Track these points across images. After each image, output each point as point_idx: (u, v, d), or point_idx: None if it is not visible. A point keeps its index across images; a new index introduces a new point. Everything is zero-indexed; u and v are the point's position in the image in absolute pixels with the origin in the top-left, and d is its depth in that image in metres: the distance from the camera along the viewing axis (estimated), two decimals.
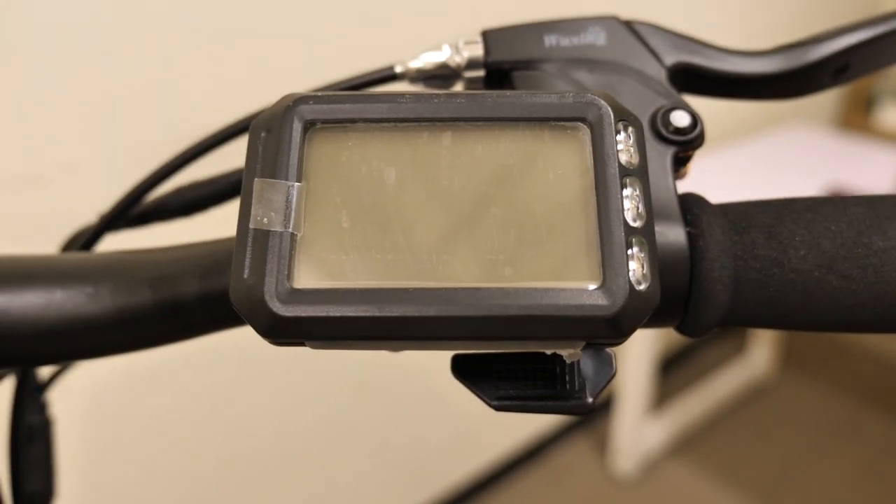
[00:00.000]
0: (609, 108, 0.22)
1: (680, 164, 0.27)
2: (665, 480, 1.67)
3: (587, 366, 0.24)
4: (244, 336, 0.34)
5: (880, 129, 2.01)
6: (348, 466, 1.36)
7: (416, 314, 0.19)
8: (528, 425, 1.68)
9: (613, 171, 0.21)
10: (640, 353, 1.57)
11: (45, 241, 0.43)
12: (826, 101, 2.12)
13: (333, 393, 1.25)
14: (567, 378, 0.24)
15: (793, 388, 1.95)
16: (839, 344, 2.09)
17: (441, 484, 1.54)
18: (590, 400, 0.24)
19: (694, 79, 0.29)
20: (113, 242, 0.33)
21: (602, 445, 1.73)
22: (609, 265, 0.20)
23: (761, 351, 1.96)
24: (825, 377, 1.99)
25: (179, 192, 0.35)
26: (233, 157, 0.32)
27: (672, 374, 1.91)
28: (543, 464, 1.71)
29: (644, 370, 1.58)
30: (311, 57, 0.97)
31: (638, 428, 1.64)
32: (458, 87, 0.30)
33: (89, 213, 0.40)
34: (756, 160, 1.61)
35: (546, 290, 0.20)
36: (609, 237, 0.20)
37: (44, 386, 0.38)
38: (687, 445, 1.75)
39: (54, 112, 0.81)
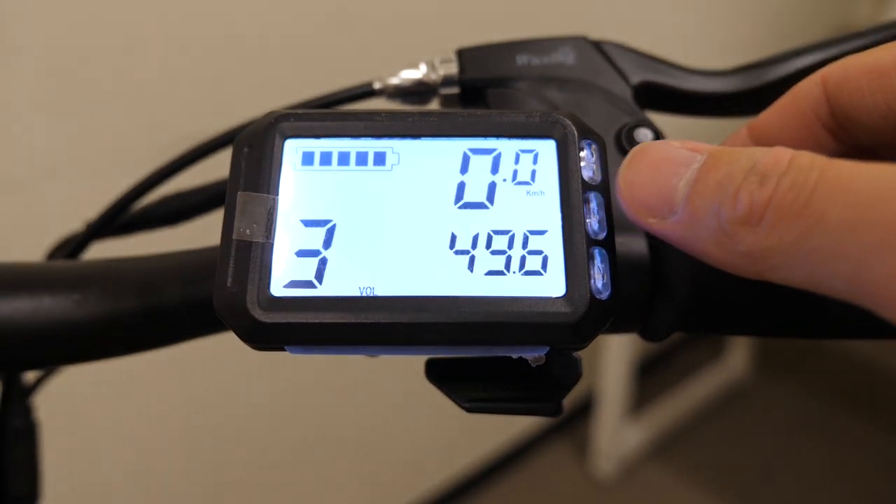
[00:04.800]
0: (573, 127, 0.23)
1: None
2: (644, 482, 1.69)
3: (555, 369, 0.26)
4: (226, 343, 0.35)
5: None
6: (327, 471, 1.36)
7: (390, 321, 0.20)
8: (508, 429, 1.69)
9: (577, 187, 0.22)
10: (618, 356, 1.59)
11: (25, 246, 0.44)
12: None
13: (313, 398, 1.25)
14: (536, 381, 0.25)
15: (769, 391, 1.98)
16: (814, 347, 2.13)
17: (421, 488, 1.55)
18: (557, 401, 0.25)
19: (658, 97, 0.30)
20: (99, 250, 0.34)
21: (581, 448, 1.75)
22: (571, 275, 0.21)
23: (738, 354, 1.99)
24: (800, 379, 2.02)
25: (165, 201, 0.35)
26: (219, 167, 0.33)
27: (650, 377, 1.93)
28: (523, 467, 1.72)
29: (623, 373, 1.60)
30: (294, 66, 0.98)
31: (617, 430, 1.66)
32: (434, 104, 0.31)
33: (70, 217, 0.41)
34: None
35: (513, 299, 0.21)
36: (572, 249, 0.21)
37: (29, 390, 0.39)
38: (666, 447, 1.77)
39: (35, 116, 0.81)
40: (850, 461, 1.75)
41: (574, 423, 1.81)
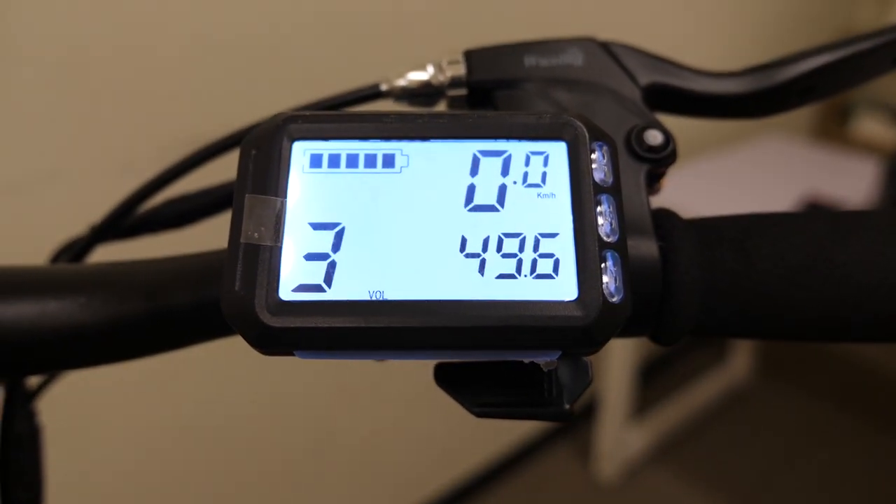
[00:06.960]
0: (584, 129, 0.23)
1: (654, 180, 0.28)
2: (647, 486, 1.68)
3: (565, 374, 0.25)
4: (228, 346, 0.35)
5: (856, 139, 2.05)
6: (329, 476, 1.36)
7: (400, 325, 0.20)
8: (511, 433, 1.68)
9: (588, 189, 0.22)
10: (621, 360, 1.58)
11: (27, 250, 0.43)
12: (803, 112, 2.15)
13: (315, 402, 1.25)
14: (546, 386, 0.25)
15: (771, 394, 1.97)
16: (816, 350, 2.12)
17: (424, 492, 1.55)
18: (567, 406, 0.25)
19: (667, 98, 0.30)
20: (103, 254, 0.33)
21: (584, 452, 1.74)
22: (584, 278, 0.21)
23: (740, 358, 1.99)
24: (802, 383, 2.01)
25: (170, 203, 0.35)
26: (225, 169, 0.33)
27: (653, 381, 1.93)
28: (526, 471, 1.71)
29: (625, 378, 1.60)
30: (300, 66, 0.98)
31: (620, 434, 1.66)
32: (441, 105, 0.31)
33: (72, 220, 0.41)
34: (735, 171, 1.64)
35: (524, 303, 0.21)
36: (584, 252, 0.21)
37: (32, 394, 0.39)
38: (668, 451, 1.76)
39: (35, 120, 0.81)
40: (852, 464, 1.74)
41: (577, 426, 1.80)
